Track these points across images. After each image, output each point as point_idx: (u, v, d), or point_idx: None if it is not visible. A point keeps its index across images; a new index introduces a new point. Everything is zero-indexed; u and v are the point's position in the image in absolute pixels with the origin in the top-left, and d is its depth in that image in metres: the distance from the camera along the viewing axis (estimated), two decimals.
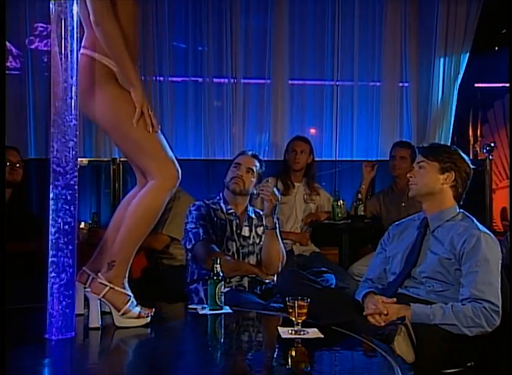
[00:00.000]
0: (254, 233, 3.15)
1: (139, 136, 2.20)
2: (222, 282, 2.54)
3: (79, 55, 2.14)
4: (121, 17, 2.19)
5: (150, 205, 2.23)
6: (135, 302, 2.26)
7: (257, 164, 3.16)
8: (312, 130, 5.17)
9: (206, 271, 2.87)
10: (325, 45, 5.04)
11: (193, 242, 3.01)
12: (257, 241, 3.15)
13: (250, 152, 3.22)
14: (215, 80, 4.92)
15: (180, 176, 2.23)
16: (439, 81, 5.10)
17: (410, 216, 2.69)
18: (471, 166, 2.53)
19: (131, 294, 2.25)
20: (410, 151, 4.16)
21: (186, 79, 4.95)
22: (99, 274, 2.24)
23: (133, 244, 2.25)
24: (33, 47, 4.70)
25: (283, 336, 2.10)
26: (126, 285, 2.25)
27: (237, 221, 3.13)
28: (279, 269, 3.05)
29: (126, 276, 2.26)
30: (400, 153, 4.24)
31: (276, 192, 2.94)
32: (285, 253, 3.08)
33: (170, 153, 2.24)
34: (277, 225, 3.01)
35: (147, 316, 2.26)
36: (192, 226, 3.04)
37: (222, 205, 3.15)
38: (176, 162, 2.23)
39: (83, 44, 2.23)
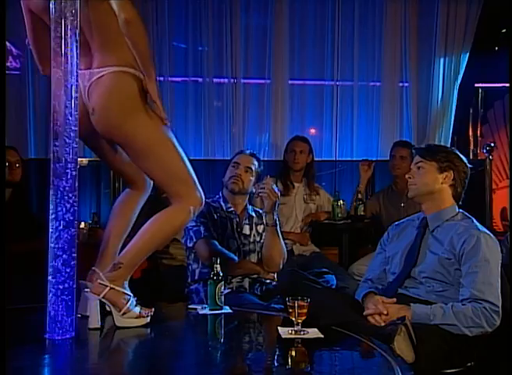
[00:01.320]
0: (254, 231, 3.16)
1: (170, 161, 2.24)
2: (222, 282, 2.53)
3: (103, 76, 2.16)
4: None
5: (171, 224, 2.30)
6: (135, 302, 2.26)
7: (256, 163, 3.16)
8: (312, 130, 5.17)
9: (207, 271, 2.87)
10: (325, 45, 5.03)
11: (194, 240, 3.01)
12: (258, 239, 3.15)
13: (248, 151, 3.22)
14: (215, 80, 4.93)
15: (204, 202, 2.31)
16: (438, 81, 5.10)
17: (410, 216, 2.69)
18: (469, 166, 2.53)
19: (131, 294, 2.25)
20: (410, 150, 4.13)
21: (186, 79, 4.96)
22: (100, 274, 2.24)
23: (146, 253, 2.31)
24: None
25: (283, 336, 2.09)
26: (126, 285, 2.26)
27: (237, 219, 3.13)
28: (281, 266, 3.06)
29: (128, 278, 2.27)
30: (399, 153, 4.24)
31: (276, 189, 2.95)
32: (286, 250, 3.08)
33: (196, 180, 2.30)
34: (277, 222, 3.01)
35: (147, 316, 2.26)
36: (193, 224, 3.03)
37: (221, 203, 3.14)
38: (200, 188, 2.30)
39: (106, 63, 2.19)
